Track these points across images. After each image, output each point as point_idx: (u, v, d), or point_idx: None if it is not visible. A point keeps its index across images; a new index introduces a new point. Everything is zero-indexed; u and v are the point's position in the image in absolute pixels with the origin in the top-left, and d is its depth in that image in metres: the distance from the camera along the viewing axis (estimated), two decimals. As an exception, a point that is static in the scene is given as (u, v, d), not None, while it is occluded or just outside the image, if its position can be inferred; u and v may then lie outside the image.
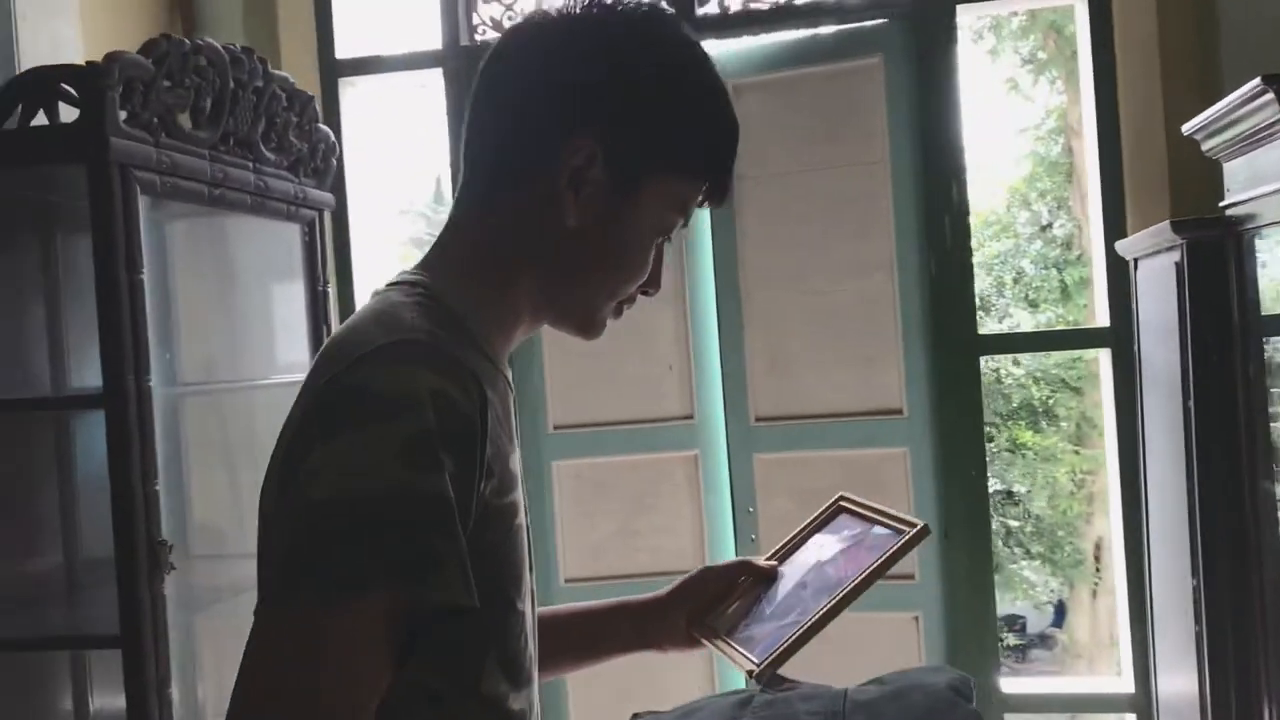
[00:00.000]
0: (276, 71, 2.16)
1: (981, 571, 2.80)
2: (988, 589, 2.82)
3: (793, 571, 1.25)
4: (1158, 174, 2.64)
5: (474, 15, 3.00)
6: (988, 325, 10.02)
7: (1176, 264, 2.17)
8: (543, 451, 2.97)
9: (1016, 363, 10.14)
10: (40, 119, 1.79)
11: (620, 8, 0.96)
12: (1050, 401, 10.38)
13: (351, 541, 0.77)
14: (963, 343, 2.78)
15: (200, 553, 2.19)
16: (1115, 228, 2.70)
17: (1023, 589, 10.72)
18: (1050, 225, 10.68)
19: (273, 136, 2.19)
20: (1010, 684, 2.86)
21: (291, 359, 2.42)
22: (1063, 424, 10.50)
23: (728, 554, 2.91)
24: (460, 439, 0.82)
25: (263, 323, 2.47)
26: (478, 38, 2.99)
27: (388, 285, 0.96)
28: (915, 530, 1.19)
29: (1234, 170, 2.10)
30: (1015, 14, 9.01)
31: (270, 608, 0.80)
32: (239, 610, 2.06)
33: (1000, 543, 10.55)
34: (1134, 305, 2.56)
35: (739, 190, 2.84)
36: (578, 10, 0.96)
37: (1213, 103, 2.05)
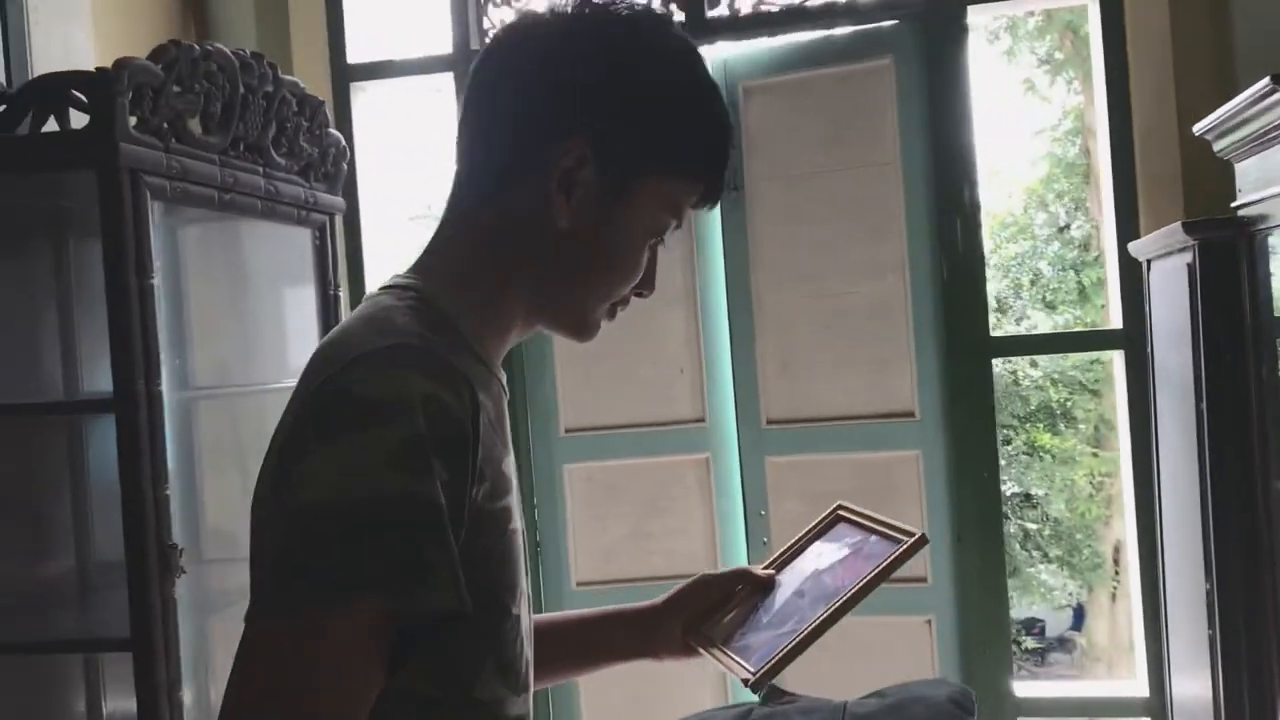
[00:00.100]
0: (286, 76, 2.17)
1: (994, 575, 2.79)
2: (1001, 592, 2.81)
3: (790, 580, 1.24)
4: (1171, 175, 2.62)
5: (484, 19, 3.01)
6: (1005, 327, 9.99)
7: (1189, 265, 2.16)
8: (554, 455, 2.97)
9: (1034, 365, 10.10)
10: (51, 125, 1.79)
11: (611, 9, 0.95)
12: (1068, 404, 10.33)
13: (343, 546, 0.77)
14: (975, 345, 2.77)
15: (213, 556, 2.20)
16: (1128, 229, 2.69)
17: (1040, 592, 10.66)
18: (1068, 226, 10.63)
19: (283, 141, 2.20)
20: (1024, 688, 2.85)
21: (303, 363, 2.41)
22: (1080, 426, 10.44)
23: (740, 557, 2.90)
24: (452, 444, 0.82)
25: (275, 327, 2.48)
26: (489, 41, 2.99)
27: (381, 289, 0.97)
28: (913, 539, 1.18)
29: (1245, 170, 2.09)
30: (1032, 14, 8.98)
31: (261, 612, 0.80)
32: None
33: (1018, 546, 10.50)
34: (1147, 307, 2.55)
35: (750, 192, 2.85)
36: (569, 12, 0.96)
37: (1227, 102, 2.03)
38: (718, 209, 2.99)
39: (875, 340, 2.78)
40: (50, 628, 2.01)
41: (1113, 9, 2.70)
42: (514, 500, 0.93)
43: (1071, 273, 10.25)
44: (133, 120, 1.76)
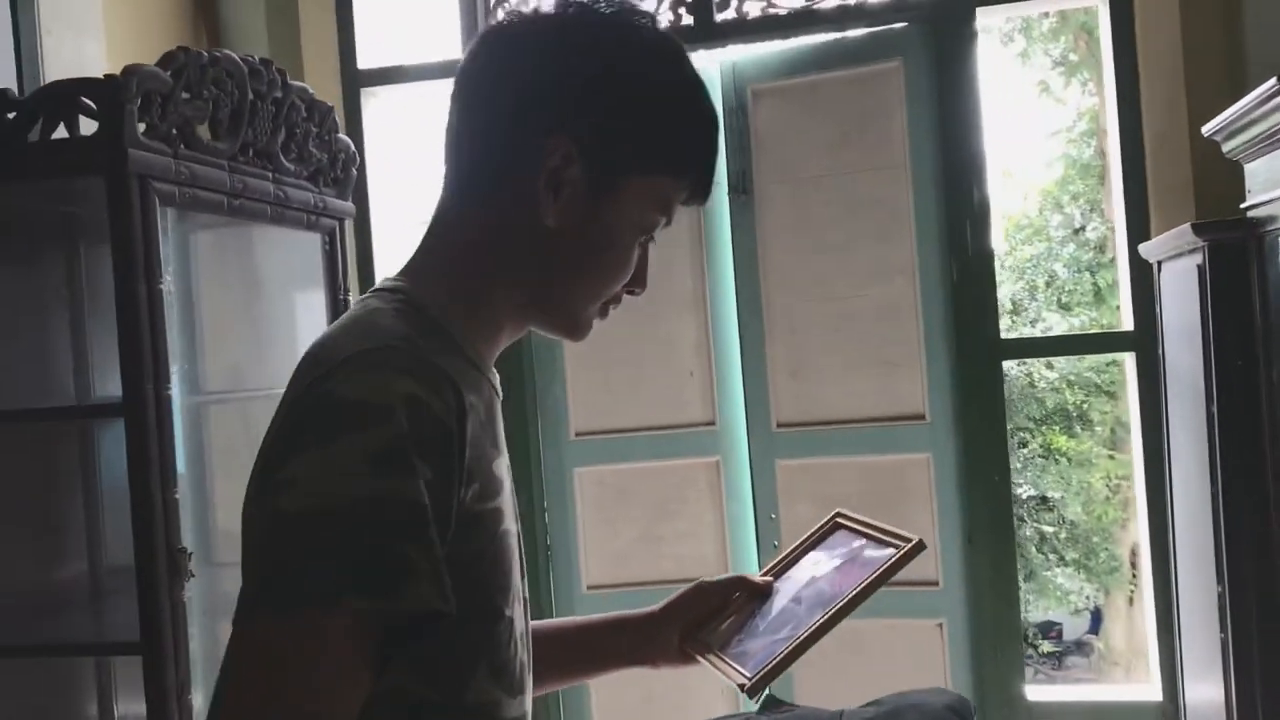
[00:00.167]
0: (295, 82, 2.18)
1: (1006, 578, 2.78)
2: (1012, 595, 2.80)
3: (788, 587, 1.24)
4: (1182, 176, 2.62)
5: (494, 24, 3.02)
6: (1021, 330, 9.95)
7: (1199, 266, 2.15)
8: (565, 458, 2.97)
9: (1050, 366, 10.05)
10: (61, 132, 1.81)
11: (595, 8, 0.95)
12: (1084, 406, 10.28)
13: (323, 552, 0.78)
14: (985, 347, 2.76)
15: (223, 560, 2.21)
16: (1139, 230, 2.68)
17: (1056, 596, 10.61)
18: (1083, 228, 10.58)
19: (292, 147, 2.21)
20: (1036, 692, 2.84)
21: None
22: (1097, 429, 10.39)
23: (750, 560, 2.90)
24: (436, 444, 0.82)
25: (286, 331, 2.49)
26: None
27: (370, 292, 0.97)
28: (909, 545, 1.18)
29: (1255, 171, 2.08)
30: (1046, 15, 8.96)
31: (247, 614, 0.80)
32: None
33: (1034, 549, 10.46)
34: (1158, 308, 2.54)
35: (759, 196, 2.85)
36: (553, 12, 0.96)
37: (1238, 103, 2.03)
38: (726, 212, 2.97)
39: (885, 343, 2.78)
40: (62, 631, 2.03)
41: (1123, 11, 2.70)
42: (506, 502, 0.93)
43: (1087, 274, 10.20)
44: (142, 126, 1.77)
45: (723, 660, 1.17)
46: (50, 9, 2.34)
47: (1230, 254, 2.09)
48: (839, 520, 1.31)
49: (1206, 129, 2.18)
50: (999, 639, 2.76)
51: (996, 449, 2.77)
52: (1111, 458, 10.15)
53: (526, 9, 0.98)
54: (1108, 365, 9.67)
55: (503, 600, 0.91)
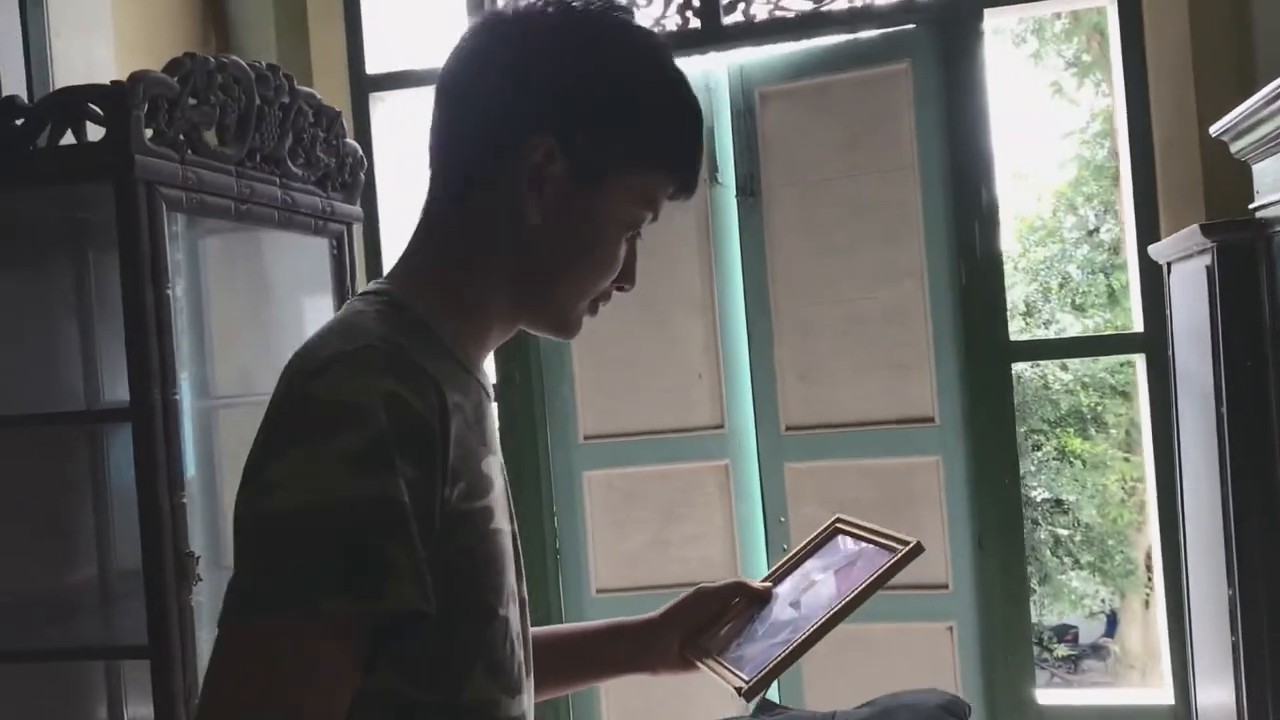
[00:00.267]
0: (303, 88, 2.19)
1: (1016, 581, 2.77)
2: (1022, 598, 2.79)
3: (787, 592, 1.25)
4: (1191, 176, 2.60)
5: (502, 29, 3.02)
6: (1034, 331, 9.91)
7: (1208, 268, 2.14)
8: (573, 462, 2.97)
9: (1064, 368, 10.01)
10: (69, 138, 1.82)
11: (575, 6, 0.96)
12: (1099, 408, 10.23)
13: (304, 553, 0.78)
14: (994, 349, 2.75)
15: (233, 564, 2.21)
16: (1149, 231, 2.67)
17: (1070, 599, 10.56)
18: (1097, 230, 10.54)
19: (300, 152, 2.22)
20: (1048, 696, 2.83)
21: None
22: (1111, 431, 10.34)
23: (760, 563, 2.90)
24: (417, 443, 0.82)
25: (294, 336, 2.49)
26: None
27: (357, 295, 0.97)
28: (907, 548, 1.18)
29: (1263, 171, 2.07)
30: (1059, 16, 8.93)
31: (231, 617, 0.80)
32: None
33: (1049, 552, 10.41)
34: (1168, 310, 2.53)
35: (767, 198, 2.85)
36: (533, 10, 0.96)
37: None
38: (734, 215, 2.97)
39: (894, 345, 2.78)
40: (72, 635, 2.04)
41: (1131, 10, 2.69)
42: (497, 501, 0.93)
43: (1101, 276, 10.16)
44: (149, 132, 1.78)
45: (721, 665, 1.18)
46: (60, 13, 2.35)
47: (1239, 255, 2.08)
48: (838, 525, 1.31)
49: (1214, 129, 2.17)
50: (1009, 642, 2.75)
51: (1006, 451, 2.76)
52: (1126, 460, 10.09)
53: (505, 8, 0.98)
54: (1122, 366, 9.63)
55: (495, 599, 0.91)
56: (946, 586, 2.74)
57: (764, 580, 1.29)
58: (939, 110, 2.73)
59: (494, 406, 1.00)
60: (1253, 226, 2.08)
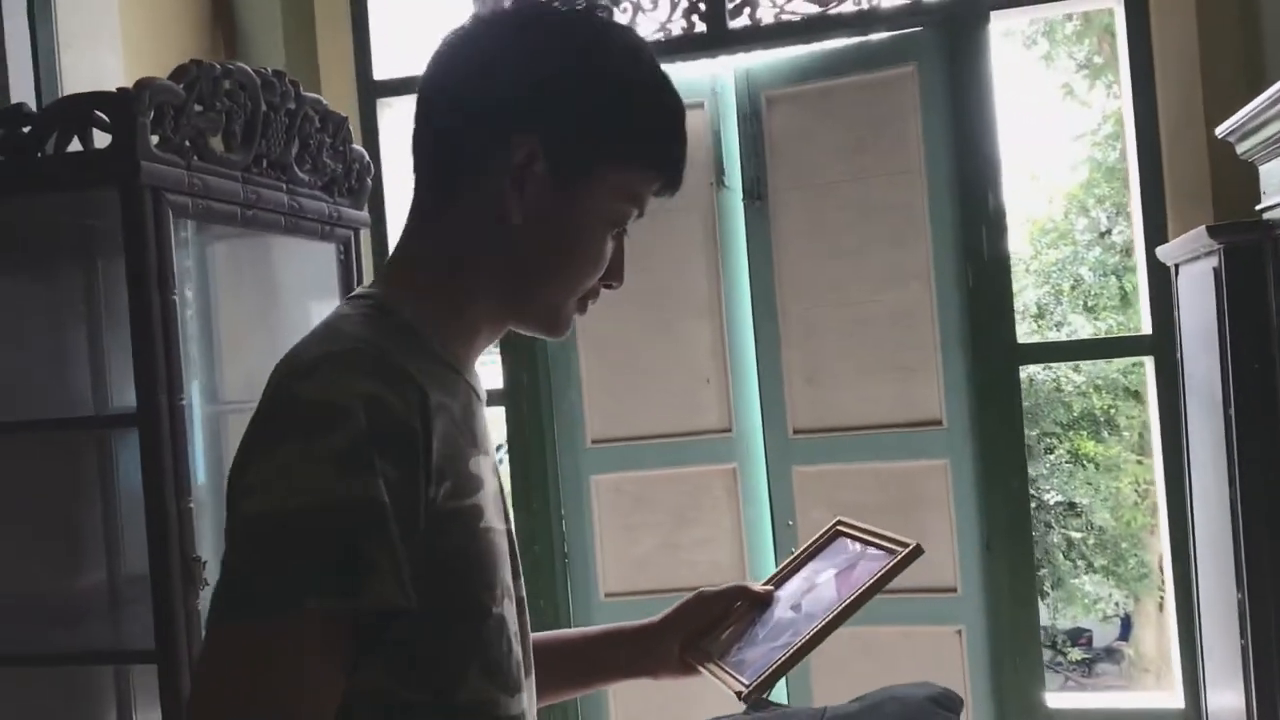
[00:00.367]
0: (309, 94, 2.19)
1: (1025, 584, 2.76)
2: (1031, 602, 2.78)
3: (787, 595, 1.25)
4: (1199, 178, 2.59)
5: (508, 34, 3.03)
6: (1046, 333, 9.88)
7: (1215, 269, 2.13)
8: (581, 466, 2.98)
9: (1077, 370, 9.98)
10: (76, 145, 1.83)
11: (556, 6, 0.96)
12: (1111, 410, 10.19)
13: (287, 552, 0.79)
14: (1002, 352, 2.75)
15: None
16: (1157, 233, 2.66)
17: (1083, 603, 10.52)
18: (1109, 231, 10.52)
19: (306, 158, 2.22)
20: (1057, 699, 2.81)
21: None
22: (1125, 434, 10.31)
23: (768, 567, 2.89)
24: (397, 443, 0.83)
25: (302, 342, 2.50)
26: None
27: (344, 300, 0.98)
28: (907, 550, 1.18)
29: (1270, 172, 2.06)
30: (1070, 18, 8.91)
31: (217, 620, 0.81)
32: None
33: (1062, 556, 10.38)
34: (1175, 312, 2.52)
35: (774, 202, 2.85)
36: (513, 11, 0.97)
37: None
38: (741, 218, 2.97)
39: (901, 348, 2.77)
40: (80, 639, 2.04)
41: (1138, 11, 2.68)
42: (488, 500, 0.93)
43: (1113, 278, 10.14)
44: (155, 139, 1.79)
45: (722, 669, 1.18)
46: (68, 23, 2.37)
47: (1246, 256, 2.07)
48: (839, 528, 1.32)
49: (1220, 130, 2.16)
50: (1018, 646, 2.74)
51: (1014, 454, 2.76)
52: (1140, 462, 10.06)
53: (483, 12, 0.99)
54: (1135, 367, 9.59)
55: (489, 598, 0.92)
56: (955, 590, 2.74)
57: (765, 583, 1.30)
58: (946, 113, 2.73)
59: (484, 407, 1.01)
60: (1260, 228, 2.08)
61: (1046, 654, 10.78)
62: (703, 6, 2.89)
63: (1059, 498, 10.35)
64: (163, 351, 1.80)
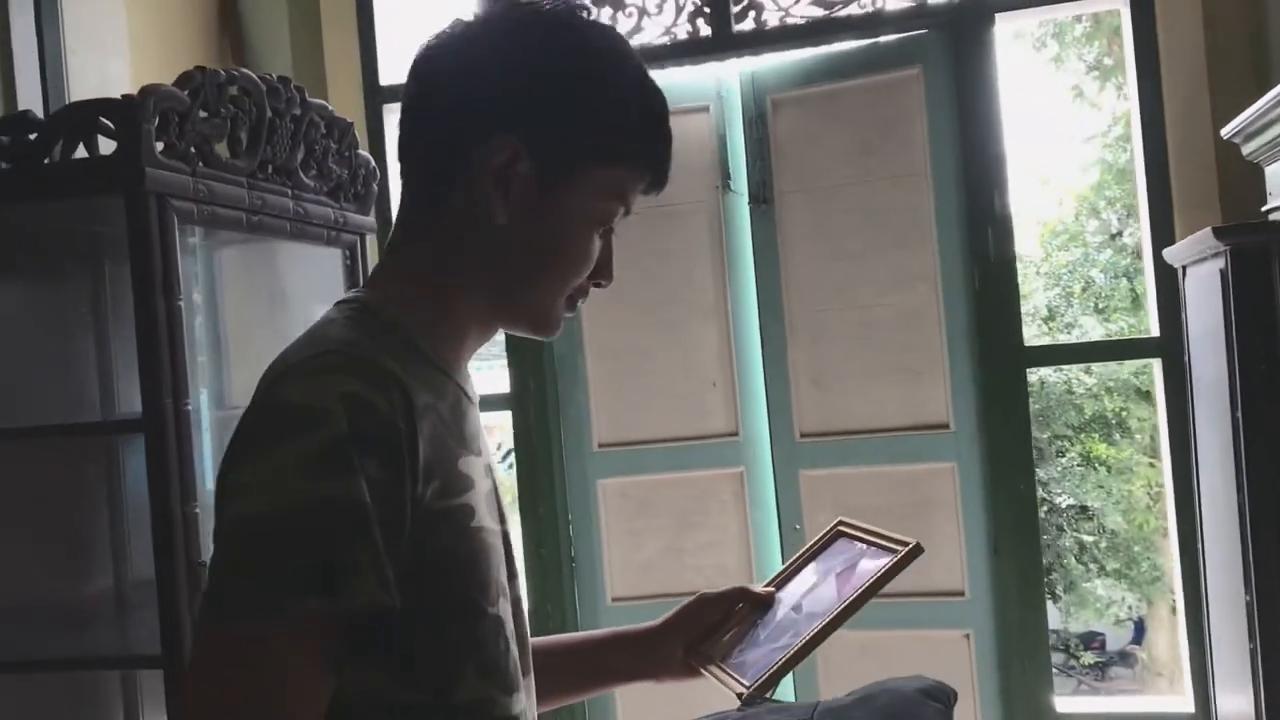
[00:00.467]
0: (314, 100, 2.20)
1: (1033, 587, 2.75)
2: (1039, 605, 2.77)
3: (789, 597, 1.25)
4: (1206, 179, 2.59)
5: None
6: (1057, 335, 9.85)
7: (1221, 271, 2.12)
8: (587, 470, 2.98)
9: (1088, 372, 9.94)
10: (81, 152, 1.84)
11: (529, 8, 0.97)
12: (1123, 413, 10.15)
13: (265, 559, 0.80)
14: (1009, 354, 2.74)
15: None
16: (1164, 235, 2.65)
17: (1096, 607, 10.48)
18: (1120, 233, 10.48)
19: (312, 163, 2.23)
20: (1066, 703, 2.80)
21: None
22: (1136, 436, 10.27)
23: (775, 571, 2.89)
24: (380, 443, 0.83)
25: (308, 346, 2.51)
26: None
27: (333, 304, 0.99)
28: (906, 549, 1.18)
29: (1275, 173, 2.05)
30: (1079, 20, 8.89)
31: (203, 623, 0.82)
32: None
33: (1074, 559, 10.34)
34: (1183, 314, 2.51)
35: (780, 205, 2.84)
36: (493, 14, 0.97)
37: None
38: (747, 222, 2.96)
39: (908, 351, 2.77)
40: (88, 645, 2.05)
41: (1144, 12, 2.67)
42: (479, 500, 0.94)
43: (1124, 280, 10.10)
44: (159, 145, 1.80)
45: (723, 671, 1.18)
46: (75, 30, 2.38)
47: (1252, 258, 2.06)
48: (841, 529, 1.32)
49: (1225, 131, 2.16)
50: (1027, 649, 2.73)
51: (1022, 457, 2.75)
52: (1152, 465, 10.02)
53: (463, 17, 0.99)
54: (1146, 368, 9.56)
55: (482, 597, 0.92)
56: (963, 594, 2.73)
57: (767, 585, 1.30)
58: (951, 115, 2.72)
59: (476, 409, 1.01)
60: (1266, 229, 2.07)
61: (1059, 658, 10.75)
62: (708, 10, 2.89)
63: (1071, 501, 10.31)
64: (168, 357, 1.80)
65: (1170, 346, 2.65)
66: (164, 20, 2.78)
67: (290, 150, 2.14)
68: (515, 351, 3.00)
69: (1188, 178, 2.63)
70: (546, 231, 0.97)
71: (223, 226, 1.98)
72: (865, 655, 2.60)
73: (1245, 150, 2.13)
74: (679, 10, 2.91)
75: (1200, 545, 2.54)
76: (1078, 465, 10.31)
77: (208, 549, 1.82)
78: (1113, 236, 10.57)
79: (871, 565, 1.20)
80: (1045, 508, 10.05)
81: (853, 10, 2.82)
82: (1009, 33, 8.54)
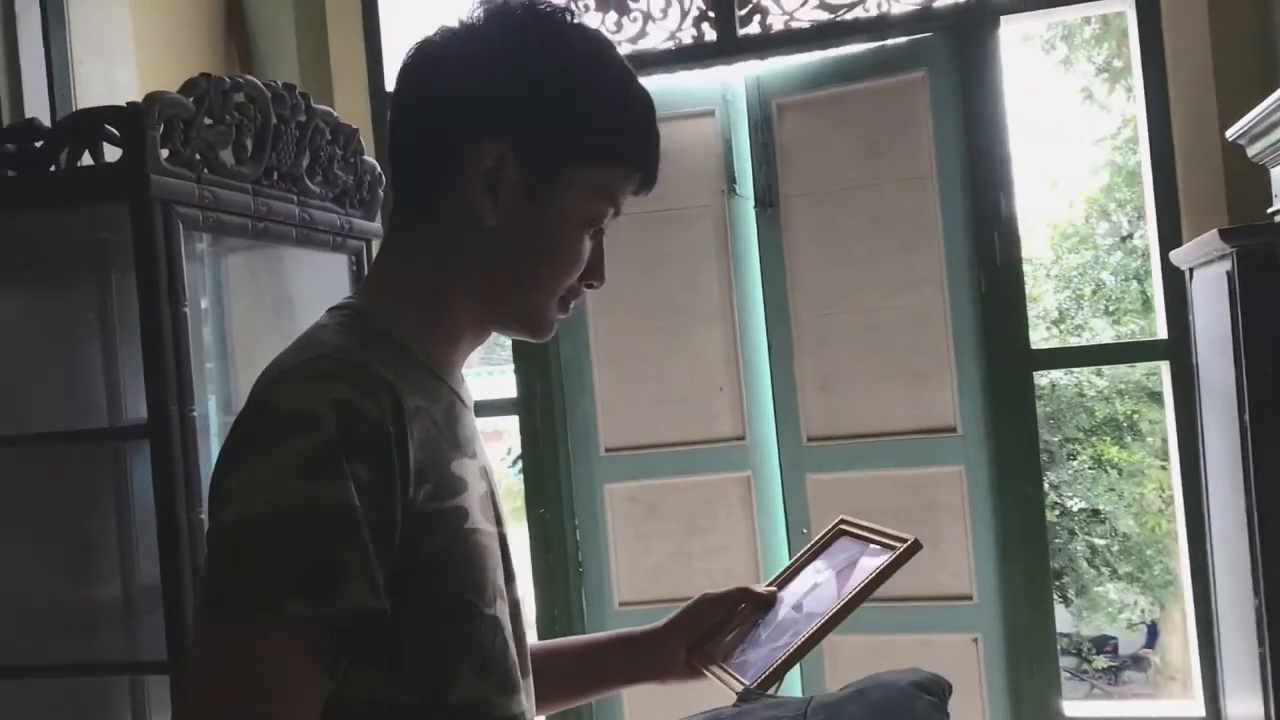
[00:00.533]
0: (320, 106, 2.21)
1: (1041, 591, 2.74)
2: (1048, 608, 2.76)
3: (790, 596, 1.26)
4: (1213, 181, 2.58)
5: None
6: (1067, 338, 9.83)
7: (1228, 273, 2.12)
8: (595, 474, 2.98)
9: (1099, 374, 9.92)
10: (87, 159, 1.85)
11: (520, 10, 0.97)
12: (1134, 416, 10.12)
13: (255, 561, 0.80)
14: (1016, 357, 2.73)
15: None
16: (1171, 237, 2.64)
17: (1108, 611, 10.45)
18: (1130, 235, 10.46)
19: (317, 170, 2.24)
20: (1074, 708, 2.79)
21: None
22: (1148, 439, 10.23)
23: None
24: (370, 446, 0.84)
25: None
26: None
27: (326, 311, 0.99)
28: (905, 546, 1.18)
29: (1281, 175, 2.05)
30: (1088, 21, 8.87)
31: (202, 625, 0.83)
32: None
33: (1086, 563, 10.31)
34: (1190, 316, 2.50)
35: (785, 209, 2.84)
36: (477, 17, 0.98)
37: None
38: (753, 226, 2.96)
39: (914, 355, 2.76)
40: (95, 650, 2.06)
41: (1150, 14, 2.66)
42: (472, 502, 0.94)
43: (1134, 282, 10.08)
44: (165, 152, 1.81)
45: (726, 671, 1.18)
46: (82, 37, 2.39)
47: (1259, 260, 2.06)
48: (842, 527, 1.33)
49: (1230, 133, 2.15)
50: (1035, 653, 2.72)
51: (1029, 460, 2.74)
52: (1163, 468, 9.98)
53: (446, 22, 1.00)
54: (1156, 371, 9.52)
55: (478, 598, 0.92)
56: (971, 598, 2.72)
57: (769, 584, 1.30)
58: (957, 118, 2.72)
59: (471, 412, 1.02)
60: (1272, 231, 2.06)
61: (1071, 662, 10.72)
62: (713, 15, 2.89)
63: (1082, 504, 10.28)
64: (173, 363, 1.81)
65: (1178, 349, 2.64)
66: (170, 28, 2.79)
67: (295, 156, 2.15)
68: (522, 356, 3.00)
69: (1194, 179, 2.62)
70: (536, 233, 0.97)
71: (228, 233, 1.99)
72: (873, 659, 2.60)
73: (1251, 152, 2.12)
74: (684, 15, 2.91)
75: (1209, 548, 2.53)
76: (1089, 468, 10.28)
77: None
78: (1123, 239, 10.54)
79: (871, 563, 1.20)
80: (1057, 511, 10.02)
81: (858, 14, 2.82)
82: (1018, 35, 8.52)
